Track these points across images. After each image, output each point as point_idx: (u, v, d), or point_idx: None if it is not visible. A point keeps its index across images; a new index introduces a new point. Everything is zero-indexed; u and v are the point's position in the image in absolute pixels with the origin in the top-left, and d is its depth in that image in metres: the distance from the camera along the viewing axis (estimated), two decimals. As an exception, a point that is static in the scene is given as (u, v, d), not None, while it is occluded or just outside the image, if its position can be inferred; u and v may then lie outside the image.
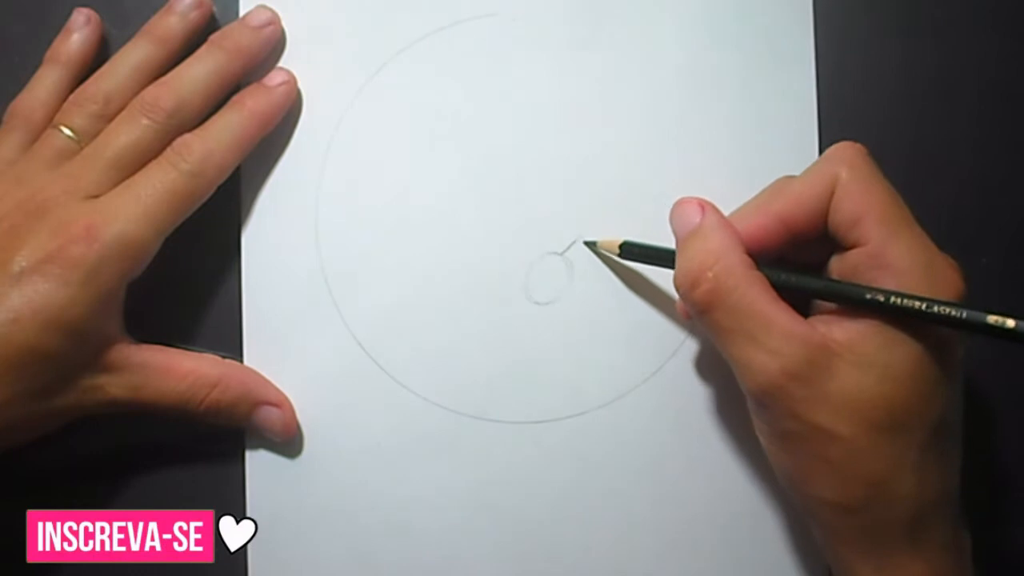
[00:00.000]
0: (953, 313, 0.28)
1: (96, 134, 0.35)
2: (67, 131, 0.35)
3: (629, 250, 0.36)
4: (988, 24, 0.38)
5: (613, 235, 0.37)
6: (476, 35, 0.38)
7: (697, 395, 0.37)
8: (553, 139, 0.38)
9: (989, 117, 0.38)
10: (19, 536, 0.35)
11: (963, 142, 0.38)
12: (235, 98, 0.36)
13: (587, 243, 0.37)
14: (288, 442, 0.37)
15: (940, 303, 0.29)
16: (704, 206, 0.33)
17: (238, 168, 0.37)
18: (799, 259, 0.33)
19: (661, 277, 0.37)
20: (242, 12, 0.38)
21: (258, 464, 0.37)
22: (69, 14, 0.37)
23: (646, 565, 0.37)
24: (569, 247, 0.38)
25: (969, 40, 0.38)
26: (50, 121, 0.36)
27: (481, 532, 0.37)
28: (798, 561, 0.37)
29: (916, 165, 0.38)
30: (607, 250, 0.37)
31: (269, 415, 0.36)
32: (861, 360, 0.30)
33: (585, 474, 0.37)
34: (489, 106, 0.38)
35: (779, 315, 0.30)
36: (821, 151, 0.37)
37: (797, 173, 0.33)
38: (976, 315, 0.28)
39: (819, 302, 0.33)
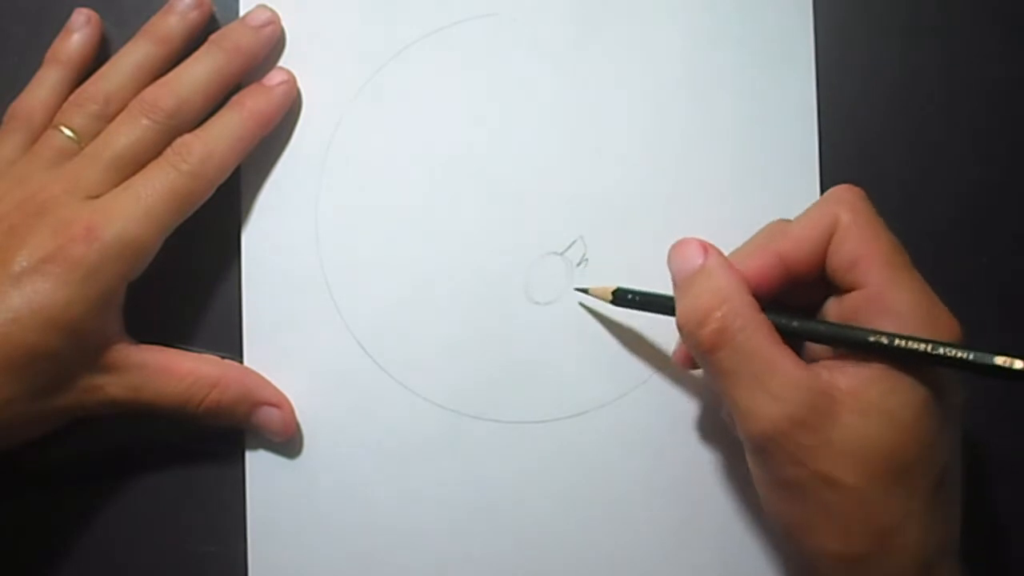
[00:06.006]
0: (959, 355, 0.28)
1: (96, 134, 0.35)
2: (67, 131, 0.35)
3: (622, 296, 0.35)
4: (988, 24, 0.38)
5: (613, 236, 0.37)
6: (476, 35, 0.38)
7: (697, 395, 0.37)
8: (553, 139, 0.38)
9: (989, 117, 0.38)
10: (20, 535, 0.35)
11: (963, 142, 0.38)
12: (235, 98, 0.36)
13: (578, 290, 0.37)
14: (288, 442, 0.37)
15: (945, 345, 0.28)
16: (707, 247, 0.32)
17: (238, 168, 0.37)
18: (793, 302, 0.33)
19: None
20: (242, 12, 0.38)
21: (258, 464, 0.37)
22: (69, 14, 0.37)
23: (645, 565, 0.37)
24: (569, 247, 0.38)
25: (969, 40, 0.38)
26: (50, 121, 0.36)
27: (481, 532, 0.37)
28: (798, 561, 0.37)
29: (916, 165, 0.38)
30: (599, 297, 0.36)
31: (269, 415, 0.36)
32: (864, 407, 0.29)
33: (585, 474, 0.37)
34: (489, 106, 0.38)
35: (784, 360, 0.30)
36: (821, 152, 0.37)
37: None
38: (983, 356, 0.28)
39: (812, 345, 0.32)
